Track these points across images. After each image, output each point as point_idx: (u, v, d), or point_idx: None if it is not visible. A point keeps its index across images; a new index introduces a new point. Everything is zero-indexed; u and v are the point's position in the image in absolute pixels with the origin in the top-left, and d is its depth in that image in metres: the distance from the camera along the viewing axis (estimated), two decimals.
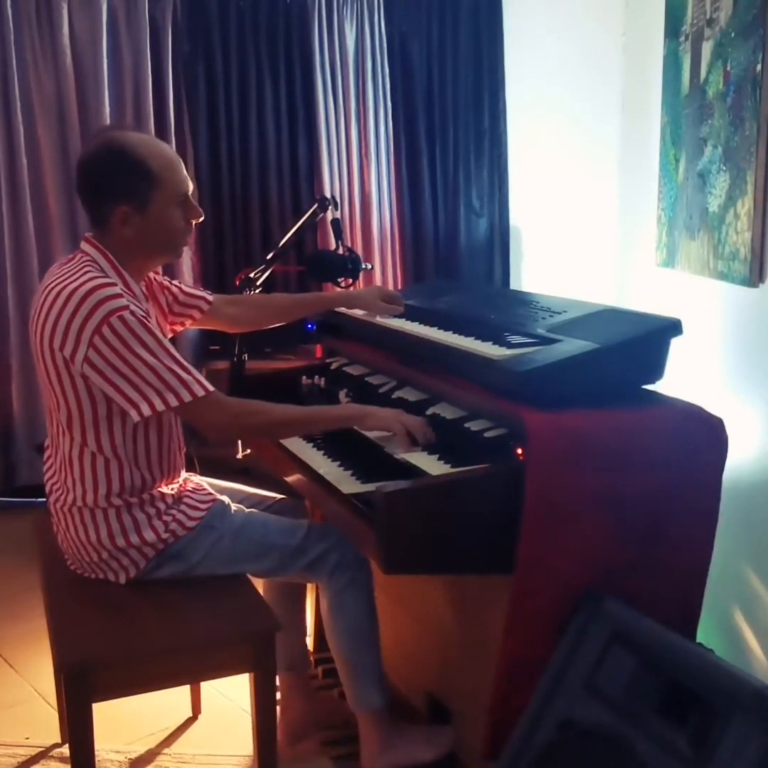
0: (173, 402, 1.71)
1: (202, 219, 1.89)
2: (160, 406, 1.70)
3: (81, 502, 1.82)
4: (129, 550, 1.83)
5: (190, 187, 1.87)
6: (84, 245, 1.83)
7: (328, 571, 1.94)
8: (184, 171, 1.86)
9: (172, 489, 1.90)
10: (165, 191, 1.79)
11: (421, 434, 1.81)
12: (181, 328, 2.16)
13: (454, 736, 1.97)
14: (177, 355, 1.74)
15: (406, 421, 1.83)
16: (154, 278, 2.02)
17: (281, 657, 2.17)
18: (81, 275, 1.73)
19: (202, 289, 2.22)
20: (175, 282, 2.12)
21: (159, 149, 1.82)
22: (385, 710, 1.99)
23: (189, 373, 1.73)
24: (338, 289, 2.56)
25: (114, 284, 1.73)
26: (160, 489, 1.87)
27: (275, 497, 2.15)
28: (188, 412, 1.76)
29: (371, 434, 1.91)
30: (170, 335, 2.08)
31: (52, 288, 1.74)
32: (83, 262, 1.78)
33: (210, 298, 2.16)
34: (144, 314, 1.74)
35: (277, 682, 2.24)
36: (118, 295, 1.70)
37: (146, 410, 1.70)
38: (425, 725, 2.08)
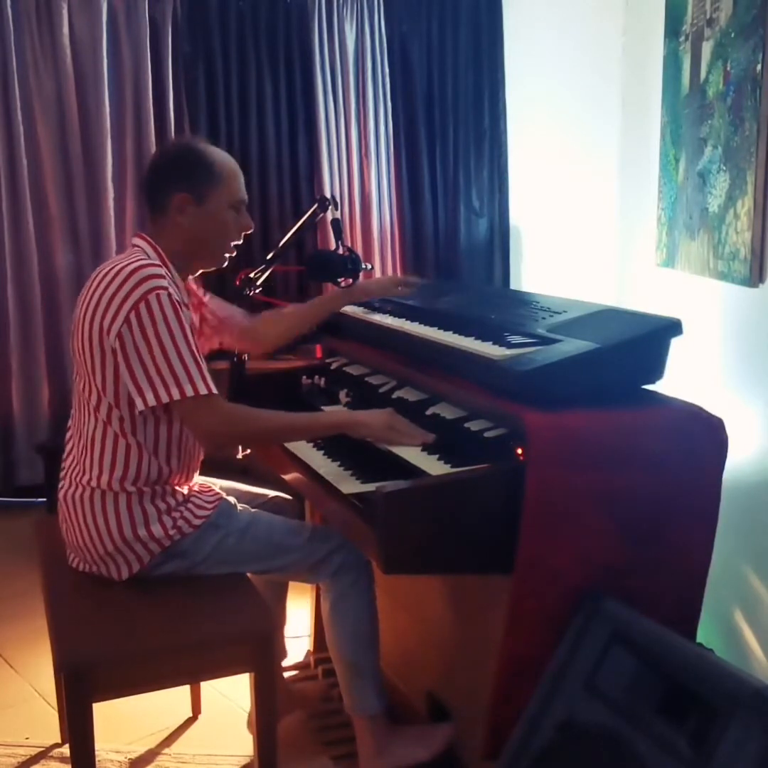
0: (175, 394, 1.73)
1: (251, 230, 1.99)
2: (164, 396, 1.74)
3: (95, 483, 1.84)
4: (135, 544, 1.83)
5: (246, 199, 1.98)
6: (135, 240, 1.92)
7: (331, 573, 1.95)
8: (243, 184, 1.98)
9: (182, 487, 1.92)
10: (223, 191, 1.91)
11: (416, 440, 1.81)
12: (208, 350, 2.19)
13: (452, 732, 1.97)
14: (195, 349, 1.78)
15: (395, 437, 1.83)
16: (195, 292, 2.09)
17: None
18: (133, 258, 1.82)
19: (235, 308, 2.26)
20: (211, 302, 2.17)
21: (226, 157, 1.96)
22: (382, 714, 1.99)
23: (199, 368, 1.76)
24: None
25: (160, 265, 1.82)
26: (173, 484, 1.89)
27: (268, 494, 2.17)
28: (185, 409, 1.78)
29: None
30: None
31: (104, 270, 1.83)
32: (134, 250, 1.89)
33: (245, 322, 2.24)
34: (179, 300, 1.81)
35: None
36: (161, 276, 1.77)
37: (151, 399, 1.74)
38: (422, 724, 2.08)
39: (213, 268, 2.01)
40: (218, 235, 1.94)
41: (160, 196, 1.91)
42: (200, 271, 2.01)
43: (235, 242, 1.98)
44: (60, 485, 1.94)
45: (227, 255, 1.99)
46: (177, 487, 1.90)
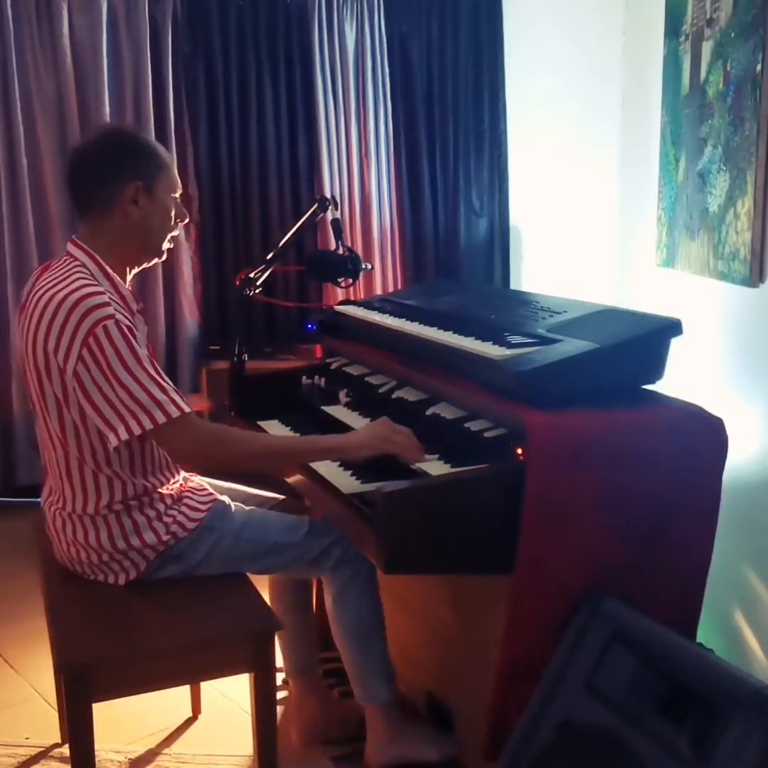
0: (148, 424, 1.67)
1: (187, 221, 1.96)
2: (136, 428, 1.67)
3: (81, 511, 1.81)
4: (129, 552, 1.82)
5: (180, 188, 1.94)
6: (70, 247, 1.84)
7: (331, 566, 1.94)
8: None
9: (171, 489, 1.90)
10: (167, 179, 1.86)
11: (410, 455, 1.75)
12: None
13: (458, 746, 1.98)
14: (154, 372, 1.71)
15: (394, 449, 1.76)
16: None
17: (293, 662, 2.18)
18: (72, 281, 1.73)
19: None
20: None
21: (160, 145, 1.91)
22: (393, 703, 2.00)
23: (165, 392, 1.69)
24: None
25: (102, 292, 1.72)
26: (160, 491, 1.86)
27: (277, 498, 2.15)
28: (161, 436, 1.72)
29: None
30: None
31: (43, 294, 1.74)
32: (72, 266, 1.78)
33: None
34: (129, 324, 1.72)
35: (290, 686, 2.23)
36: (106, 304, 1.69)
37: (123, 434, 1.68)
38: (431, 727, 2.08)
39: (153, 263, 1.94)
40: (163, 225, 1.88)
41: (106, 189, 1.81)
42: (144, 266, 1.93)
43: (174, 233, 1.91)
44: (44, 503, 1.91)
45: (167, 247, 1.92)
46: (164, 492, 1.87)
